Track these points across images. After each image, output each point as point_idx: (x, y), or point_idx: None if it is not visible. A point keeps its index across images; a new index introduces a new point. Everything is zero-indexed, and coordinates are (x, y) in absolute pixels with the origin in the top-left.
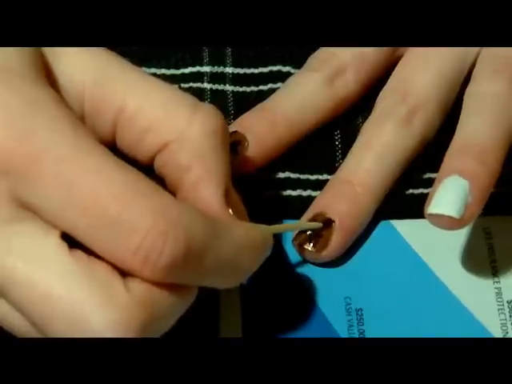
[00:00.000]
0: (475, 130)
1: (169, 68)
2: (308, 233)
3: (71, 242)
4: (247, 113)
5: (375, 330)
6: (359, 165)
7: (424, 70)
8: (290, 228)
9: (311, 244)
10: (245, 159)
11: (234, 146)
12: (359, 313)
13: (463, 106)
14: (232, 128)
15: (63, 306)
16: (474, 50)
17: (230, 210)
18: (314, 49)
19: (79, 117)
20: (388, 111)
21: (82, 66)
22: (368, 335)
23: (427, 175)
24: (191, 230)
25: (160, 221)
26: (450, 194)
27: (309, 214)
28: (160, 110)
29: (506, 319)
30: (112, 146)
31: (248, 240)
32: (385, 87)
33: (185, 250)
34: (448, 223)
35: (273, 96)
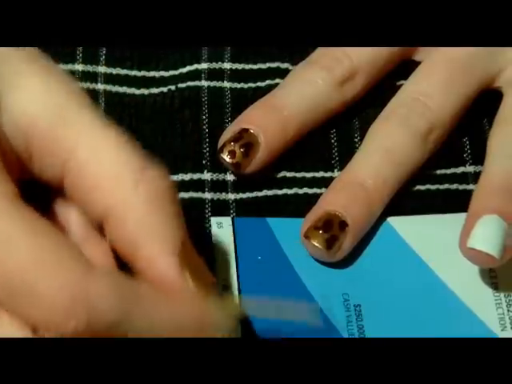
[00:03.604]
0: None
1: (167, 70)
2: (320, 232)
3: None
4: (255, 108)
5: (374, 325)
6: (374, 169)
7: (448, 92)
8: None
9: (324, 244)
10: (252, 161)
11: (246, 148)
12: (358, 309)
13: (490, 147)
14: (239, 124)
15: None
16: (492, 71)
17: (187, 274)
18: (313, 48)
19: (25, 151)
20: (407, 120)
21: (39, 101)
22: (367, 330)
23: (422, 172)
24: (98, 307)
25: (64, 296)
26: (491, 233)
27: (318, 210)
28: (106, 170)
29: (503, 313)
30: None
31: (174, 323)
32: (403, 93)
33: (88, 325)
34: (487, 261)
35: (280, 92)
